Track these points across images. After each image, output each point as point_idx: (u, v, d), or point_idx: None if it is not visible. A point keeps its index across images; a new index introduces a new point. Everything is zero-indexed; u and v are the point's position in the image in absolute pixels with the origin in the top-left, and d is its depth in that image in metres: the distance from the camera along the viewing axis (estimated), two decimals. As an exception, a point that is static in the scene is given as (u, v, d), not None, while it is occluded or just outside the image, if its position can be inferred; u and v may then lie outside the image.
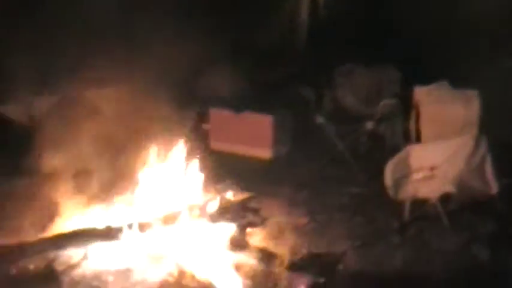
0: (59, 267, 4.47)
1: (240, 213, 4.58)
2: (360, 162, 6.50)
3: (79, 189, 5.22)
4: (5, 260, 4.51)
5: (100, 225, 4.66)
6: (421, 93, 5.49)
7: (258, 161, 6.65)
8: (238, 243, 4.51)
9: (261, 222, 4.66)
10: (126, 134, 5.50)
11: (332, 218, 5.41)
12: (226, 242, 4.56)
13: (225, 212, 4.57)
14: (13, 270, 4.48)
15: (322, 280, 4.19)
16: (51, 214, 4.99)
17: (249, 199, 4.83)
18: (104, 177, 5.35)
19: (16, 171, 5.71)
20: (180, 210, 4.67)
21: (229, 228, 4.57)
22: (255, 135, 6.98)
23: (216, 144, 7.03)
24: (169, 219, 4.59)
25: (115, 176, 5.31)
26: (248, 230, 4.66)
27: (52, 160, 5.46)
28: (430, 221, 5.24)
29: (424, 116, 5.41)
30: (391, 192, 5.28)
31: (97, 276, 4.42)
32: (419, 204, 5.33)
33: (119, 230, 4.56)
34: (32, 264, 4.52)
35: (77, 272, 4.49)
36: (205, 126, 7.05)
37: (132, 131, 5.53)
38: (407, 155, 5.31)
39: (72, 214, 4.98)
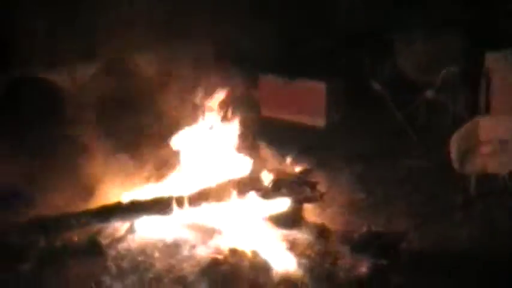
0: (104, 240, 4.28)
1: (296, 187, 4.21)
2: (418, 133, 6.09)
3: (125, 159, 5.02)
4: (49, 231, 4.35)
5: (147, 198, 4.40)
6: (493, 60, 4.99)
7: (310, 130, 6.30)
8: (294, 220, 4.19)
9: (318, 197, 4.29)
10: (171, 103, 5.23)
11: (390, 194, 5.04)
12: (281, 217, 4.24)
13: (280, 185, 4.21)
14: (57, 243, 4.33)
15: (384, 262, 3.86)
16: (94, 186, 4.78)
17: (305, 172, 4.46)
18: (150, 147, 5.11)
19: (61, 140, 5.52)
20: (231, 183, 4.35)
21: (285, 203, 4.24)
22: (307, 103, 6.65)
23: (266, 112, 6.72)
24: (219, 193, 4.27)
25: (161, 146, 5.04)
26: (304, 205, 4.31)
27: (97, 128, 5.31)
28: (497, 198, 4.88)
29: (496, 85, 4.94)
30: (456, 165, 4.88)
31: (143, 251, 4.20)
32: (486, 179, 4.95)
33: (167, 204, 4.28)
34: (76, 237, 4.35)
35: (122, 246, 4.29)
36: (255, 93, 6.73)
37: (177, 98, 5.24)
38: (475, 127, 4.89)
39: (117, 186, 4.74)
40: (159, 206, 4.32)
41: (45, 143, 5.54)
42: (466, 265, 4.01)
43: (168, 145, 4.83)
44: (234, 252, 4.02)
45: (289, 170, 4.52)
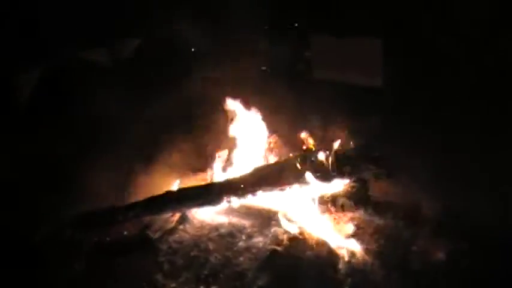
0: (154, 234, 3.99)
1: (361, 165, 3.74)
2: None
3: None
4: (95, 227, 4.10)
5: (197, 186, 4.08)
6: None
7: (368, 92, 5.74)
8: (359, 200, 3.74)
9: (387, 175, 3.79)
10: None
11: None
12: (344, 198, 3.81)
13: (341, 163, 3.75)
14: (106, 239, 4.08)
15: (465, 246, 3.39)
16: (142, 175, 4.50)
17: (368, 147, 3.95)
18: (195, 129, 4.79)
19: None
20: (287, 165, 3.95)
21: (350, 183, 3.79)
22: (362, 62, 6.08)
23: (319, 73, 6.20)
24: (276, 176, 3.87)
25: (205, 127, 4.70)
26: (371, 184, 3.84)
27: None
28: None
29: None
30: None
31: (196, 244, 3.89)
32: None
33: (218, 192, 3.93)
34: (126, 231, 4.08)
35: (174, 238, 3.99)
36: (307, 53, 6.22)
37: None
38: None
39: (165, 176, 4.45)
40: (210, 194, 3.98)
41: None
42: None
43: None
44: (294, 241, 3.65)
45: (346, 144, 4.03)
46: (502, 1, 5.24)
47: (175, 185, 4.31)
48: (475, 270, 3.31)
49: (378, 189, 3.92)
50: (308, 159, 3.84)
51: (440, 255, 3.42)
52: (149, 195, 4.09)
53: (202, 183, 4.23)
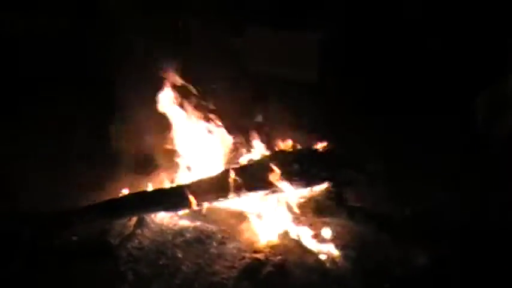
0: (114, 240, 3.64)
1: (341, 170, 3.65)
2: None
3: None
4: (49, 231, 3.67)
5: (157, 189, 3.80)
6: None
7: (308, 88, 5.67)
8: (337, 205, 3.65)
9: (364, 179, 3.73)
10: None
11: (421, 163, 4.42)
12: (320, 203, 3.71)
13: (316, 166, 3.64)
14: (56, 242, 3.66)
15: (446, 252, 3.44)
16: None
17: (334, 149, 3.85)
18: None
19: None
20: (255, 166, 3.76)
21: (327, 188, 3.68)
22: (297, 56, 6.02)
23: (254, 66, 6.04)
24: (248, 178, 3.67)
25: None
26: (346, 189, 3.76)
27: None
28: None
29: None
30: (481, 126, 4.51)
31: (161, 251, 3.59)
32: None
33: (180, 195, 3.66)
34: (81, 237, 3.69)
35: (134, 245, 3.67)
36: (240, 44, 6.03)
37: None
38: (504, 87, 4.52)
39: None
40: (172, 198, 3.70)
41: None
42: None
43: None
44: (273, 248, 3.49)
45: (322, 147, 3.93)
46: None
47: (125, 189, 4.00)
48: (455, 273, 3.36)
49: (351, 194, 3.86)
50: (283, 161, 3.68)
51: (420, 260, 3.44)
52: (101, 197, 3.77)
53: (167, 185, 3.92)
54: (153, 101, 4.30)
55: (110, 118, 4.74)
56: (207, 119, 4.15)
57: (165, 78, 4.29)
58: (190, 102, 4.23)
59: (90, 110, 4.84)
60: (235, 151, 4.12)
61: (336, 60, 5.81)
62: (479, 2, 5.19)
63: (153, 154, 4.38)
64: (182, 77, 4.37)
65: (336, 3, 5.97)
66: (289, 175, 3.66)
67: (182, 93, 4.36)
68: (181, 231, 3.72)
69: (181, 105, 4.29)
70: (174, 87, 4.32)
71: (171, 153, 4.30)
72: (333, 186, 3.66)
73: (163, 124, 4.37)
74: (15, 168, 4.15)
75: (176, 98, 4.31)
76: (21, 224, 3.63)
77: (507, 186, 4.04)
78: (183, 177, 4.03)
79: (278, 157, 3.77)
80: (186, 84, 4.34)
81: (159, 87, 4.29)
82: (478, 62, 4.89)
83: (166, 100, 4.32)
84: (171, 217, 3.83)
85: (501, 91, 4.49)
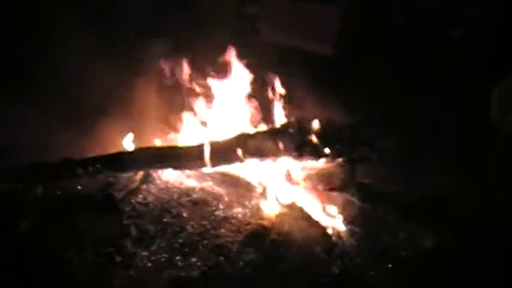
0: (117, 193, 3.59)
1: (350, 145, 3.59)
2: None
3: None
4: (47, 180, 3.61)
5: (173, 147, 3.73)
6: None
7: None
8: (345, 181, 3.60)
9: (376, 157, 3.67)
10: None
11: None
12: (330, 177, 3.65)
13: (330, 141, 3.58)
14: (58, 193, 3.61)
15: (452, 237, 3.41)
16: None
17: (358, 127, 3.78)
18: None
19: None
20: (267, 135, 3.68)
21: (338, 163, 3.62)
22: (314, 28, 5.91)
23: (268, 36, 5.94)
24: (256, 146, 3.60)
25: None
26: (359, 166, 3.70)
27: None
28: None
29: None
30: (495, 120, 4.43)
31: (166, 209, 3.55)
32: None
33: (187, 155, 3.59)
34: (85, 188, 3.63)
35: (138, 200, 3.62)
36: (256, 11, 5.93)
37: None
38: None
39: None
40: (181, 157, 3.64)
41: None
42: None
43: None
44: (279, 217, 3.46)
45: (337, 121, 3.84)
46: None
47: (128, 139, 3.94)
48: (460, 258, 3.33)
49: (362, 171, 3.81)
50: (297, 132, 3.61)
51: (426, 243, 3.41)
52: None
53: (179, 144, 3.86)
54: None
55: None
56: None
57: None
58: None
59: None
60: (254, 118, 4.04)
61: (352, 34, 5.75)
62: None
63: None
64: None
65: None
66: (301, 146, 3.58)
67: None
68: (187, 191, 3.68)
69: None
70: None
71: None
72: (344, 161, 3.59)
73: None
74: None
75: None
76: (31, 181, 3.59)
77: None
78: (198, 138, 3.95)
79: (291, 128, 3.68)
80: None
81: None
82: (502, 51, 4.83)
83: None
84: (178, 176, 3.78)
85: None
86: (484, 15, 5.43)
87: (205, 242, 3.32)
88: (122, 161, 3.63)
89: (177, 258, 3.23)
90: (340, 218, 3.52)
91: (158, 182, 3.76)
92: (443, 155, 4.26)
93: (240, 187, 3.71)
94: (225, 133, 3.78)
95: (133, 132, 4.02)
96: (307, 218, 3.48)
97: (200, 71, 4.24)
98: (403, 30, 5.52)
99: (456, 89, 4.78)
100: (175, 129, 4.16)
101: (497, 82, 4.55)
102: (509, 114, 4.43)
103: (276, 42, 5.83)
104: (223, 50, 4.15)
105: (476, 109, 4.57)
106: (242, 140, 3.62)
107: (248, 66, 4.13)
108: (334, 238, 3.39)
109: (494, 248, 3.36)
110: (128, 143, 3.93)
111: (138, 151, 3.67)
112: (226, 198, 3.62)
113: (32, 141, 3.96)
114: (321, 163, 3.63)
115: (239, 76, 4.09)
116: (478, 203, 3.64)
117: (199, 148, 3.55)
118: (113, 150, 3.72)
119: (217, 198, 3.62)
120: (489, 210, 3.59)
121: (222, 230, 3.39)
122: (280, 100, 4.04)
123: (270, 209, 3.51)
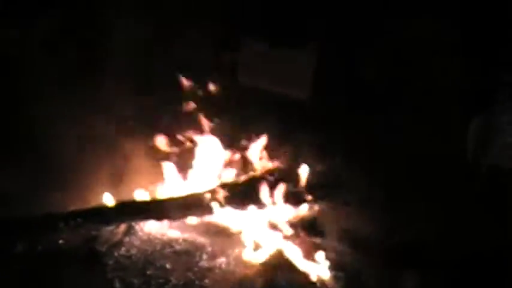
0: (102, 247, 3.57)
1: (331, 191, 3.65)
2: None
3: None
4: (30, 235, 3.59)
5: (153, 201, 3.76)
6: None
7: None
8: (330, 229, 3.64)
9: (357, 202, 3.72)
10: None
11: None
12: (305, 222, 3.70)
13: (311, 188, 3.63)
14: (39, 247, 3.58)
15: (435, 280, 3.46)
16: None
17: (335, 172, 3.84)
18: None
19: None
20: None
21: (318, 210, 3.67)
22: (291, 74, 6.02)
23: (245, 81, 6.03)
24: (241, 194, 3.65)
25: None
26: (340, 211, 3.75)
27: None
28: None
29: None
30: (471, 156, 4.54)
31: (149, 261, 3.54)
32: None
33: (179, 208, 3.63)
34: (67, 243, 3.61)
35: (121, 253, 3.60)
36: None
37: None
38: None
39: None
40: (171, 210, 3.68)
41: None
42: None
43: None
44: (264, 265, 3.47)
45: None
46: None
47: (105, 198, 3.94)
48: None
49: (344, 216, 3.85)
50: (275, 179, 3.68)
51: (409, 286, 3.45)
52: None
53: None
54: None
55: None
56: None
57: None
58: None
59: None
60: (230, 166, 4.08)
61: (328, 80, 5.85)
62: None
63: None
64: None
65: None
66: (282, 193, 3.64)
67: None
68: (170, 242, 3.68)
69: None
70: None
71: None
72: (326, 207, 3.65)
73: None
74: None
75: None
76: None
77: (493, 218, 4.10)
78: (177, 189, 3.98)
79: (271, 175, 3.74)
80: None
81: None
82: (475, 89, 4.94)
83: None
84: (161, 226, 3.79)
85: (488, 121, 4.53)
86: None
87: (192, 293, 3.32)
88: (104, 214, 3.64)
89: (164, 311, 3.22)
90: (324, 264, 3.54)
91: (141, 233, 3.75)
92: (423, 199, 4.31)
93: (223, 236, 3.73)
94: (205, 183, 3.83)
95: (114, 184, 4.03)
96: (291, 265, 3.49)
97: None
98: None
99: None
100: (157, 180, 4.16)
101: (472, 118, 4.66)
102: (487, 149, 4.55)
103: (253, 87, 5.93)
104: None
105: (451, 148, 4.73)
106: (223, 189, 3.67)
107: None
108: (318, 285, 3.40)
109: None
110: (108, 197, 3.94)
111: (119, 204, 3.67)
112: (209, 248, 3.62)
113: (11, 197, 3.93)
114: (303, 209, 3.68)
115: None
116: (460, 245, 3.70)
117: (181, 199, 3.57)
118: (94, 203, 3.74)
119: (201, 248, 3.62)
120: (473, 251, 3.66)
121: (207, 281, 3.39)
122: (258, 148, 4.09)
123: (254, 258, 3.52)
